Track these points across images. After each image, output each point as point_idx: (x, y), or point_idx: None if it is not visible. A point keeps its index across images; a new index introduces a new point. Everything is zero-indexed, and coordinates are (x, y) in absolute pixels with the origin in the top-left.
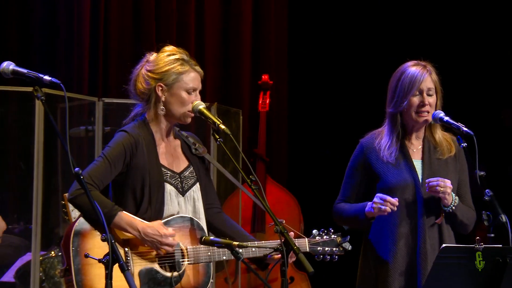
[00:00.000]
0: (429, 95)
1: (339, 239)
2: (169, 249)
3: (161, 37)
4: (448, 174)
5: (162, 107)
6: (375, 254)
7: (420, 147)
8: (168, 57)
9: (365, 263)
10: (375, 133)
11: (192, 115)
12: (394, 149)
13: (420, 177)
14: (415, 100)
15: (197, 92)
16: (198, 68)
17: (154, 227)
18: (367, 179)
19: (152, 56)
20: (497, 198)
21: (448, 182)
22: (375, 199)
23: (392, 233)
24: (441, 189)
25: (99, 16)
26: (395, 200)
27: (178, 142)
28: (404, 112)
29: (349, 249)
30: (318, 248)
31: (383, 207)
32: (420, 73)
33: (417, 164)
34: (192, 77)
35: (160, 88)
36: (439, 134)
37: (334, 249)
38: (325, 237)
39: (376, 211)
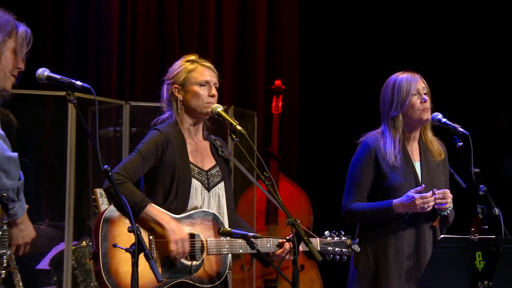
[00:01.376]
0: (425, 93)
1: (349, 241)
2: (180, 248)
3: (183, 45)
4: (441, 176)
5: (181, 106)
6: (376, 245)
7: (417, 149)
8: (179, 62)
9: (362, 249)
10: (377, 134)
11: (211, 105)
12: (398, 152)
13: (420, 177)
14: (416, 98)
15: (211, 85)
16: (207, 63)
17: (179, 226)
18: (375, 177)
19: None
20: (491, 193)
21: (448, 192)
22: (416, 198)
23: (396, 228)
24: (445, 201)
25: (126, 26)
26: (426, 195)
27: (207, 143)
28: (406, 113)
29: (358, 250)
30: (329, 248)
31: (426, 206)
32: (413, 76)
33: (416, 165)
34: (200, 71)
35: (177, 89)
36: (430, 138)
37: (343, 250)
38: (336, 238)
39: (419, 209)
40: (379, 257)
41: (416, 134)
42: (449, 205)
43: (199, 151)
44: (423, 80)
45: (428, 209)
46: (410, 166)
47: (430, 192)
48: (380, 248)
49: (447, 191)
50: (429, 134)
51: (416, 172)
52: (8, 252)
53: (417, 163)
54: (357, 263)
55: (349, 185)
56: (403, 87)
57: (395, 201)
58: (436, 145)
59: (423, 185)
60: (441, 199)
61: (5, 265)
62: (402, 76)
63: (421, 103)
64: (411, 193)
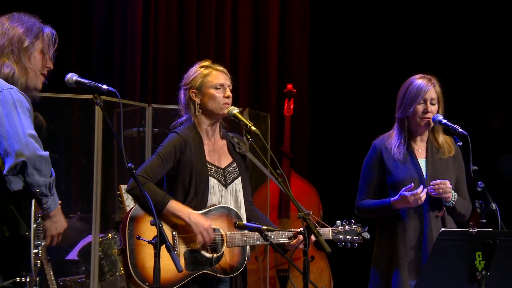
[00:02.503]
0: (432, 104)
1: (359, 229)
2: (206, 237)
3: (201, 53)
4: (449, 171)
5: (198, 109)
6: (388, 239)
7: (424, 148)
8: (194, 68)
9: (379, 245)
10: (385, 136)
11: (227, 105)
12: (402, 148)
13: (424, 174)
14: (420, 107)
15: (226, 87)
16: (220, 67)
17: (200, 216)
18: (381, 174)
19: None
20: (488, 189)
21: (448, 183)
22: (407, 196)
23: (402, 222)
24: (442, 190)
25: (149, 34)
26: (417, 191)
27: (224, 141)
28: (410, 117)
29: (368, 238)
30: (340, 236)
31: (419, 201)
32: (425, 85)
33: (422, 163)
34: (215, 75)
35: (194, 93)
36: (442, 137)
37: (354, 237)
38: (346, 227)
39: (413, 205)
40: (391, 250)
41: (424, 135)
42: (449, 195)
43: (216, 151)
44: (436, 89)
45: (421, 202)
46: (415, 163)
47: (420, 188)
48: (391, 242)
49: (445, 182)
50: (441, 136)
51: (420, 169)
52: (43, 243)
53: (422, 160)
54: (376, 259)
55: (360, 184)
56: (412, 94)
57: (392, 199)
58: (447, 143)
59: (412, 184)
60: (438, 189)
61: (40, 255)
62: (417, 81)
63: (422, 112)
64: (402, 192)
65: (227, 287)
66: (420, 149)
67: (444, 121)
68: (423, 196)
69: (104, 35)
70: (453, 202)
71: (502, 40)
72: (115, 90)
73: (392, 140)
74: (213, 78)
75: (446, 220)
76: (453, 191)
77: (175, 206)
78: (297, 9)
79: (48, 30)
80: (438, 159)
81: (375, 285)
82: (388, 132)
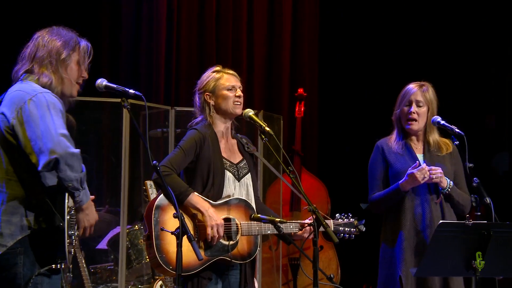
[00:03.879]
0: (418, 106)
1: (356, 222)
2: (215, 232)
3: (220, 59)
4: (447, 165)
5: (213, 110)
6: (392, 221)
7: (421, 146)
8: (206, 73)
9: (385, 227)
10: (387, 137)
11: (238, 104)
12: (400, 143)
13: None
14: (405, 109)
15: (237, 89)
16: (230, 71)
17: (216, 213)
18: (385, 168)
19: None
20: (483, 185)
21: (439, 169)
22: (415, 173)
23: (404, 204)
24: (433, 175)
25: (172, 43)
26: (422, 167)
27: (235, 141)
28: (398, 118)
29: (363, 230)
30: (340, 228)
31: (425, 176)
32: (412, 88)
33: (419, 157)
34: (226, 78)
35: (208, 96)
36: (434, 138)
37: (352, 229)
38: (345, 220)
39: (421, 180)
40: (396, 236)
41: (420, 136)
42: (442, 180)
43: (229, 148)
44: (425, 93)
45: (427, 177)
46: (413, 156)
47: (424, 164)
48: (396, 228)
49: (436, 168)
50: (433, 137)
51: (418, 161)
52: (76, 233)
53: (420, 155)
54: (384, 237)
55: (369, 181)
56: (401, 96)
57: (400, 182)
58: (443, 142)
59: (417, 162)
60: (428, 173)
61: (74, 244)
62: (408, 85)
63: (406, 113)
64: (409, 171)
65: (237, 273)
66: (417, 146)
67: (442, 122)
68: (427, 171)
69: (131, 44)
70: (448, 190)
71: (499, 44)
72: (141, 94)
73: (392, 137)
74: (224, 81)
75: (444, 207)
76: (448, 180)
77: (195, 198)
78: (308, 18)
79: (84, 43)
80: (435, 155)
81: (387, 256)
82: (390, 135)
